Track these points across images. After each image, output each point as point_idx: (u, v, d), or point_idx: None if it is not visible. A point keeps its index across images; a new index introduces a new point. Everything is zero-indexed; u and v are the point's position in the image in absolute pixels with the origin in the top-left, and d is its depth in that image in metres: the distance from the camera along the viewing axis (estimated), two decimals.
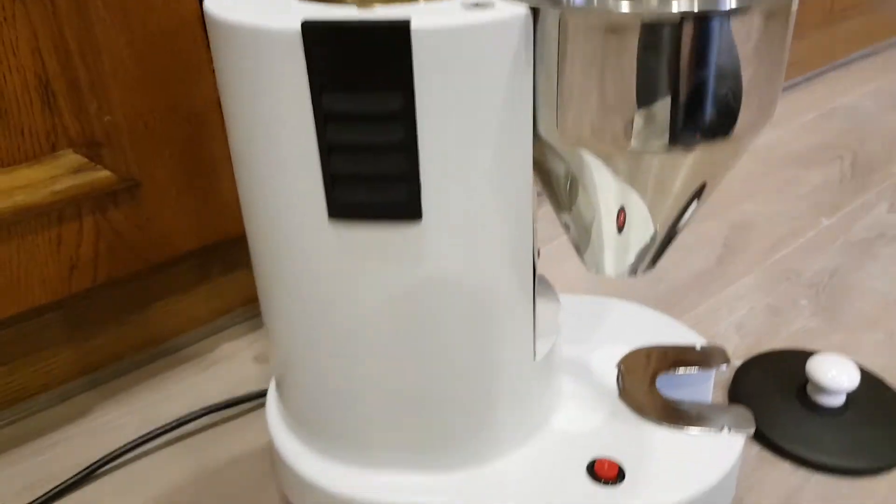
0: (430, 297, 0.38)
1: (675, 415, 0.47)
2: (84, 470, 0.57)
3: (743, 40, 0.35)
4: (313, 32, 0.32)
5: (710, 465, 0.44)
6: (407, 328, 0.39)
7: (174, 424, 0.60)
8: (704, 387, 0.53)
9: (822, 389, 0.59)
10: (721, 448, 0.45)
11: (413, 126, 0.34)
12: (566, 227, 0.44)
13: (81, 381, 0.66)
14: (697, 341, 0.53)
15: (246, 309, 0.74)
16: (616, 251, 0.42)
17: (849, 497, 0.53)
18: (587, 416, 0.48)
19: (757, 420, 0.47)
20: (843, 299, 0.74)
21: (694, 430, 0.46)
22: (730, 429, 0.46)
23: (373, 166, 0.35)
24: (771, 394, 0.60)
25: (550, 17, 0.34)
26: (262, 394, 0.63)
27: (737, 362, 0.65)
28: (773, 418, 0.58)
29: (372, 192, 0.35)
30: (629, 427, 0.47)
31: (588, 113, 0.35)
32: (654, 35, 0.33)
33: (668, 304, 0.74)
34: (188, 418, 0.61)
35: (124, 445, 0.58)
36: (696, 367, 0.51)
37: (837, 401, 0.58)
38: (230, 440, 0.61)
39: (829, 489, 0.54)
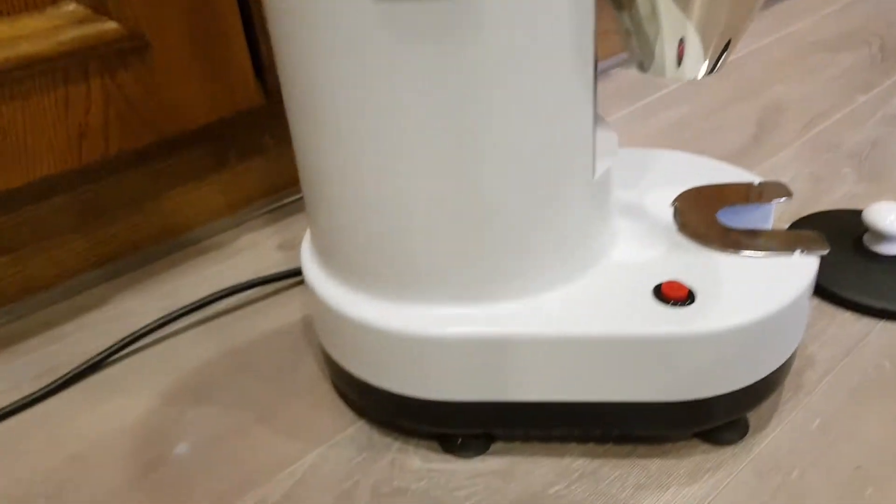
0: (486, 86, 0.35)
1: (741, 242, 0.44)
2: (106, 350, 0.54)
3: None
4: None
5: (784, 287, 0.41)
6: (461, 128, 0.36)
7: (199, 304, 0.57)
8: (765, 223, 0.50)
9: (881, 237, 0.56)
10: (794, 270, 0.42)
11: None
12: (626, 32, 0.40)
13: (96, 272, 0.62)
14: (754, 179, 0.50)
15: (266, 200, 0.70)
16: (677, 45, 0.39)
17: None
18: (647, 249, 0.44)
19: None
20: (887, 167, 0.71)
21: (763, 255, 0.43)
22: (802, 251, 0.43)
23: None
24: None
25: None
26: (291, 273, 0.60)
27: (784, 226, 0.62)
28: (831, 270, 0.55)
29: None
30: (694, 255, 0.43)
31: None
32: None
33: None
34: (213, 297, 0.57)
35: (147, 325, 0.55)
36: (757, 201, 0.48)
37: None
38: (258, 319, 0.57)
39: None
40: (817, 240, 0.44)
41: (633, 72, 0.92)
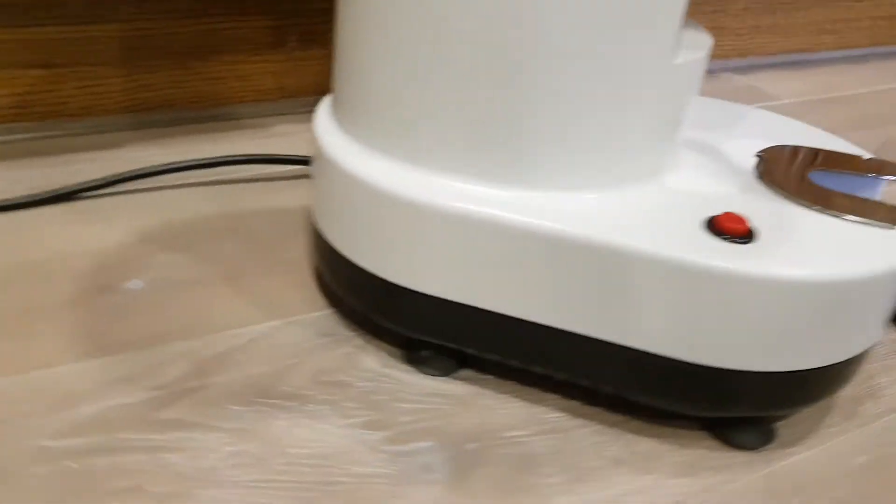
0: None
1: (832, 201, 0.36)
2: (111, 177, 0.50)
3: None
4: None
5: (871, 258, 0.32)
6: None
7: (211, 162, 0.53)
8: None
9: None
10: (886, 244, 0.34)
11: None
12: None
13: (126, 117, 0.59)
14: (864, 153, 0.41)
15: (317, 99, 0.66)
16: None
17: None
18: (713, 183, 0.37)
19: None
20: None
21: (854, 219, 0.35)
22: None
23: None
24: None
25: None
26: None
27: None
28: None
29: None
30: (768, 200, 0.35)
31: None
32: None
33: None
34: (226, 160, 0.53)
35: (153, 167, 0.51)
36: (864, 171, 0.39)
37: None
38: (266, 195, 0.52)
39: None
40: None
41: (743, 79, 0.84)
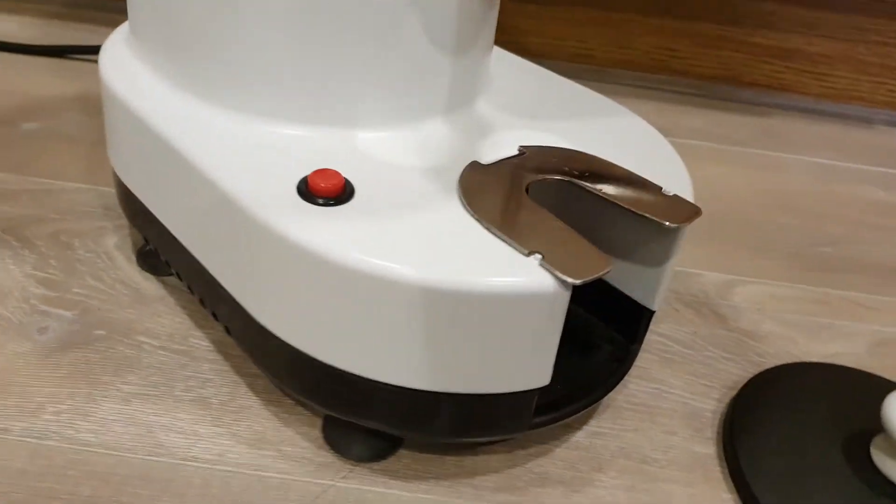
0: None
1: (493, 214, 0.28)
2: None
3: None
4: None
5: (477, 271, 0.26)
6: None
7: None
8: (648, 252, 0.32)
9: None
10: (512, 266, 0.26)
11: None
12: None
13: None
14: (673, 186, 0.31)
15: None
16: None
17: None
18: (417, 156, 0.31)
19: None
20: None
21: (492, 235, 0.27)
22: (542, 258, 0.26)
23: None
24: (799, 453, 0.34)
25: None
26: None
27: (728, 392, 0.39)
28: (788, 483, 0.33)
29: None
30: (423, 188, 0.29)
31: None
32: None
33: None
34: None
35: None
36: (630, 203, 0.30)
37: None
38: None
39: None
40: (591, 259, 0.26)
41: None
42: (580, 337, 0.35)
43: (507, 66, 0.40)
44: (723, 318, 0.42)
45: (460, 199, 0.29)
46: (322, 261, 0.26)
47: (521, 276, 0.26)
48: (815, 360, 0.40)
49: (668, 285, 0.35)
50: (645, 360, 0.38)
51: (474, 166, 0.31)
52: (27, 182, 0.44)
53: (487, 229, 0.27)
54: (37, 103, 0.52)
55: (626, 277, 0.34)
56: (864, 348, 0.41)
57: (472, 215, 0.28)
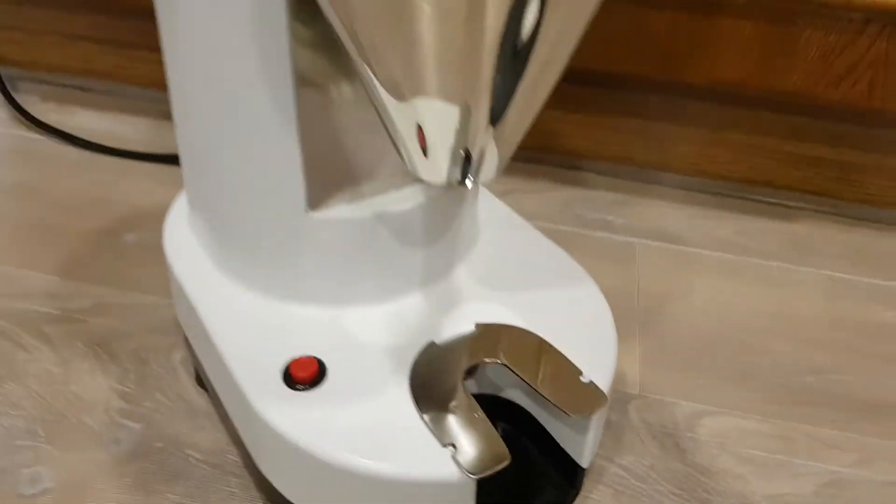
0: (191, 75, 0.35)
1: (429, 402, 0.36)
2: None
3: None
4: None
5: (402, 456, 0.33)
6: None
7: None
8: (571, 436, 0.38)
9: None
10: (429, 457, 0.33)
11: None
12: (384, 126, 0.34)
13: None
14: (595, 372, 0.37)
15: None
16: (432, 148, 0.32)
17: None
18: (386, 335, 0.39)
19: None
20: None
21: (423, 423, 0.35)
22: (455, 451, 0.33)
23: None
24: None
25: None
26: None
27: None
28: None
29: None
30: (379, 367, 0.37)
31: None
32: None
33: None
34: None
35: None
36: (547, 390, 0.36)
37: None
38: None
39: None
40: (494, 454, 0.33)
41: None
42: (525, 479, 0.41)
43: (496, 225, 0.47)
44: (682, 452, 0.47)
45: (409, 385, 0.36)
46: (290, 443, 0.34)
47: (434, 467, 0.33)
48: (760, 500, 0.44)
49: (595, 448, 0.41)
50: (600, 492, 0.44)
51: (430, 348, 0.38)
52: (122, 296, 0.55)
53: (421, 418, 0.35)
54: (138, 213, 0.63)
55: (561, 433, 0.40)
56: (813, 489, 0.45)
57: (413, 403, 0.36)
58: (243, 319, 0.40)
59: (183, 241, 0.44)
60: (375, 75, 0.29)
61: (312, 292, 0.40)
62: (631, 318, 0.56)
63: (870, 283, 0.61)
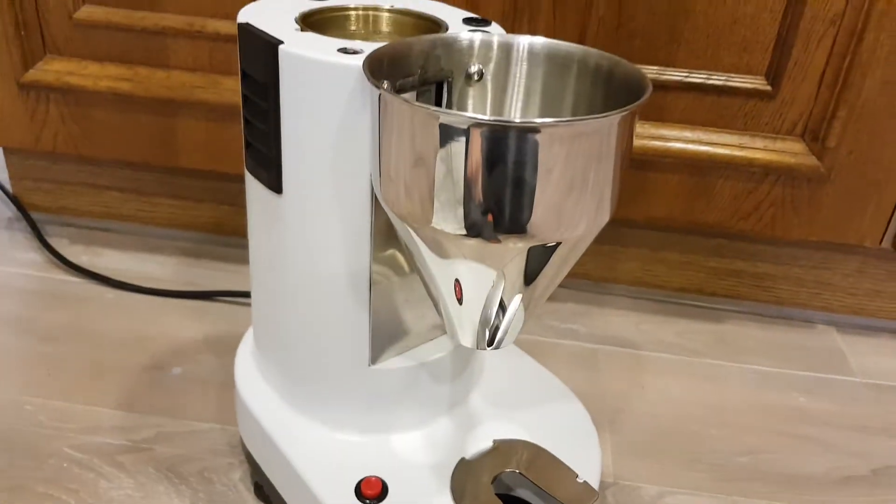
0: (288, 260, 0.48)
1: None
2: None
3: (534, 153, 0.36)
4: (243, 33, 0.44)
5: None
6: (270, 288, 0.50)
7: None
8: None
9: None
10: None
11: (277, 117, 0.44)
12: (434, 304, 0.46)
13: None
14: (586, 472, 0.50)
15: None
16: (462, 322, 0.45)
17: None
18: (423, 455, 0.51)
19: None
20: None
21: None
22: None
23: (258, 141, 0.46)
24: None
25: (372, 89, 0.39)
26: None
27: None
28: None
29: (258, 162, 0.47)
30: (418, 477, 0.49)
31: (398, 186, 0.40)
32: (449, 136, 0.36)
33: None
34: None
35: None
36: (551, 489, 0.49)
37: None
38: None
39: None
40: None
41: (838, 339, 0.81)
42: None
43: (495, 354, 0.59)
44: None
45: (450, 495, 0.48)
46: None
47: None
48: None
49: None
50: None
51: (461, 464, 0.50)
52: (179, 424, 0.65)
53: None
54: (178, 347, 0.74)
55: None
56: None
57: None
58: (316, 447, 0.51)
59: (252, 377, 0.56)
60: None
61: (367, 423, 0.51)
62: (602, 416, 0.68)
63: (788, 374, 0.76)
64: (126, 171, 0.85)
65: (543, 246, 0.39)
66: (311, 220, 0.45)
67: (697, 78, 0.68)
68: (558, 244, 0.39)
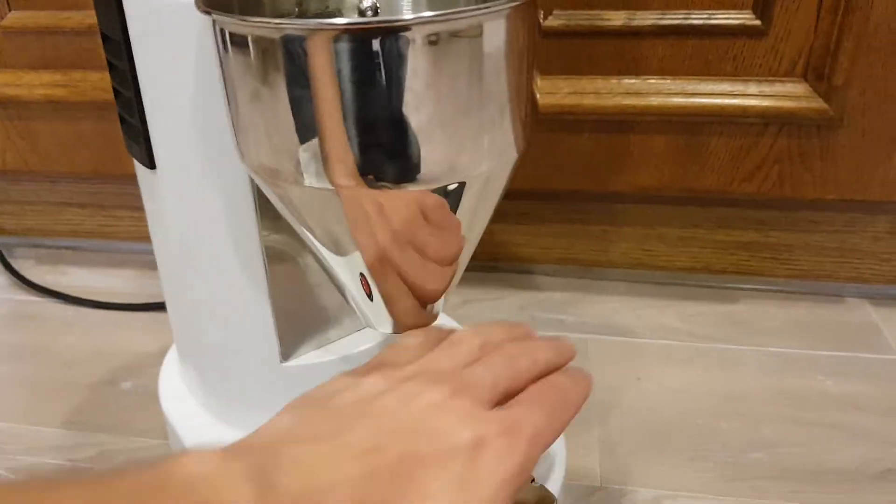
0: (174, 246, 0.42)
1: None
2: None
3: (402, 62, 0.29)
4: None
5: None
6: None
7: None
8: None
9: None
10: None
11: (135, 77, 0.38)
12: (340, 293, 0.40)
13: None
14: (546, 477, 0.42)
15: None
16: (376, 310, 0.38)
17: None
18: None
19: None
20: None
21: None
22: None
23: (126, 111, 0.40)
24: None
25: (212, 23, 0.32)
26: None
27: None
28: None
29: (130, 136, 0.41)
30: None
31: (257, 140, 0.33)
32: (295, 54, 0.30)
33: None
34: None
35: None
36: None
37: None
38: None
39: None
40: None
41: (873, 313, 0.71)
42: None
43: None
44: None
45: None
46: None
47: None
48: None
49: None
50: None
51: None
52: (125, 441, 0.59)
53: None
54: (132, 361, 0.68)
55: None
56: None
57: None
58: None
59: (174, 386, 0.50)
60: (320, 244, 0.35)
61: None
62: (589, 412, 0.60)
63: (810, 356, 0.66)
64: (83, 185, 0.81)
65: (444, 189, 0.32)
66: (188, 194, 0.39)
67: (673, 19, 0.60)
68: (462, 185, 0.32)
